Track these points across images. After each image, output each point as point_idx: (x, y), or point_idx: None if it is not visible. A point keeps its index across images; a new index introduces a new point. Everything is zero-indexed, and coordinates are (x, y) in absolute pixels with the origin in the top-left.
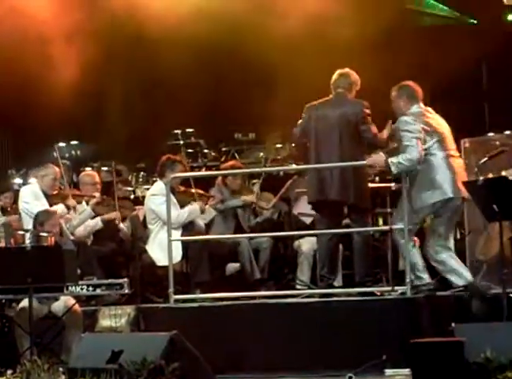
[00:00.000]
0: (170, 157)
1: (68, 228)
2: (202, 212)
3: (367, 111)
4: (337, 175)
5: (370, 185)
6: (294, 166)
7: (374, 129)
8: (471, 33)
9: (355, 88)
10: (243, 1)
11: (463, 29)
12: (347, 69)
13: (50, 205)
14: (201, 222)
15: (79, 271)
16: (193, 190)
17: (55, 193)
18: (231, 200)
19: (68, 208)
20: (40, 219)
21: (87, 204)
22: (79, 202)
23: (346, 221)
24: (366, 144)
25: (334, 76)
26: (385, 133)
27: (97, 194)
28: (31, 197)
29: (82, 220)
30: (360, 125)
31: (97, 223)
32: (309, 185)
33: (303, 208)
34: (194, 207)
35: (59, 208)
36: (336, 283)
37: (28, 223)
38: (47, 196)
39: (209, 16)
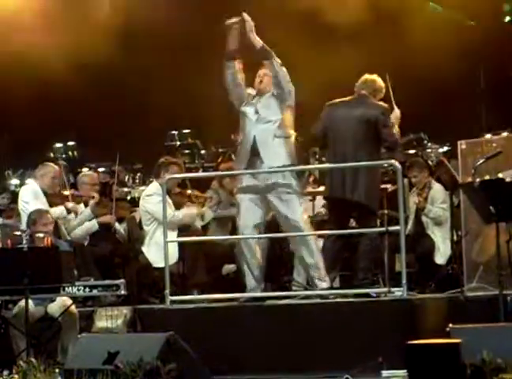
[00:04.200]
0: (167, 158)
1: (66, 228)
2: (202, 217)
3: (388, 114)
4: (351, 175)
5: None
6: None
7: (394, 133)
8: (469, 33)
9: (380, 95)
10: None
11: (461, 29)
12: (374, 76)
13: (50, 204)
14: (197, 223)
15: (76, 272)
16: (189, 191)
17: (55, 192)
18: (226, 208)
19: (68, 211)
20: (32, 218)
21: (85, 205)
22: (78, 202)
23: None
24: (384, 146)
25: (361, 80)
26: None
27: (96, 195)
28: (30, 197)
29: (81, 221)
30: (382, 128)
31: (93, 225)
32: (326, 183)
33: None
34: (191, 211)
35: (59, 210)
36: (333, 284)
37: None
38: (46, 195)
39: None
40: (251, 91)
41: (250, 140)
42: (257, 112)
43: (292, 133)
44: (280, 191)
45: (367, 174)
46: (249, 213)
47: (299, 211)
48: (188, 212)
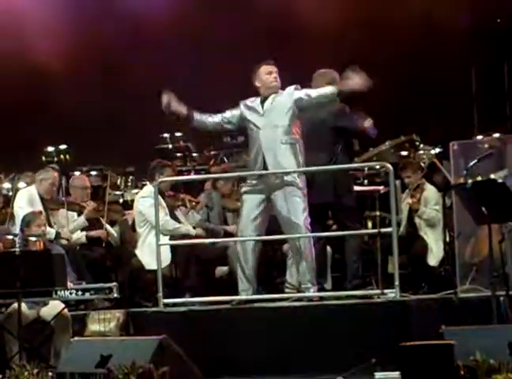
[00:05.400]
0: (160, 161)
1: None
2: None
3: (342, 108)
4: (317, 177)
5: (359, 188)
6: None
7: (353, 117)
8: (461, 36)
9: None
10: None
11: (452, 30)
12: (324, 70)
13: (46, 209)
14: (189, 226)
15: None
16: (182, 196)
17: (52, 197)
18: (219, 212)
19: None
20: (26, 220)
21: (78, 214)
22: (73, 210)
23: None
24: (349, 135)
25: (313, 77)
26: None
27: (91, 203)
28: (25, 202)
29: (75, 229)
30: (339, 121)
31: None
32: None
33: None
34: (189, 229)
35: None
36: (326, 286)
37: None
38: (43, 200)
39: None
40: (248, 102)
41: (257, 147)
42: (262, 116)
43: (299, 139)
44: (286, 192)
45: (334, 173)
46: (250, 214)
47: (303, 214)
48: (187, 229)
